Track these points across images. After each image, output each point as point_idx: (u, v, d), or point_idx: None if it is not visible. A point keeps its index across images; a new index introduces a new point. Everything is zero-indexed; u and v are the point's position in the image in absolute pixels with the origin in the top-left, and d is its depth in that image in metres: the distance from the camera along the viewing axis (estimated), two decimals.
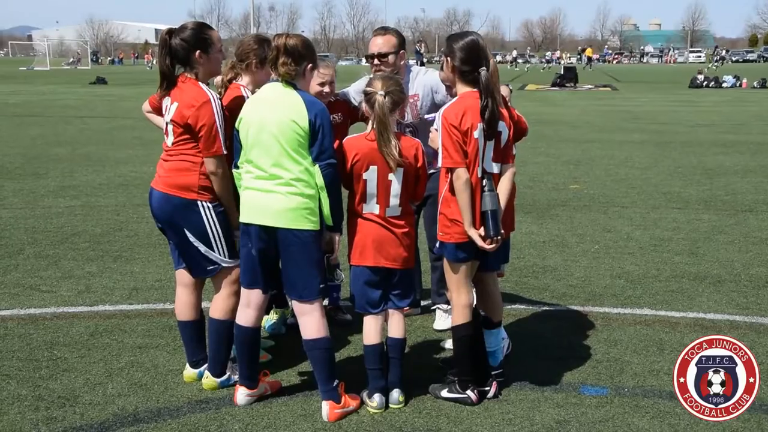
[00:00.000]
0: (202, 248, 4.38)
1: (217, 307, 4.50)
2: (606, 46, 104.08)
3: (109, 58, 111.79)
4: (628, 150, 15.29)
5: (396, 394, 4.35)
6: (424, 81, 5.33)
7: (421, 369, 4.84)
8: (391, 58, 5.18)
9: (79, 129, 19.37)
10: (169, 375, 4.76)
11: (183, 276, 4.62)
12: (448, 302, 5.46)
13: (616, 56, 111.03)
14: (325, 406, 4.20)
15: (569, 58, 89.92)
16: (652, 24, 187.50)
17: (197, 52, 4.35)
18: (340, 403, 4.22)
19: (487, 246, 4.19)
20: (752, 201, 10.17)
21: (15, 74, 58.91)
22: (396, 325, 4.42)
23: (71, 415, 4.21)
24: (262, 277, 4.24)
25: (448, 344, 5.23)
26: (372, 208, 4.30)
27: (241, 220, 4.21)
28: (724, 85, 40.32)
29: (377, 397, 4.29)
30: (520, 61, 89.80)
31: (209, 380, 4.55)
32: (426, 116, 5.14)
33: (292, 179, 4.05)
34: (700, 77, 41.11)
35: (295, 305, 4.26)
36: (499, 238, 4.19)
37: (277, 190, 4.06)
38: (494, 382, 4.49)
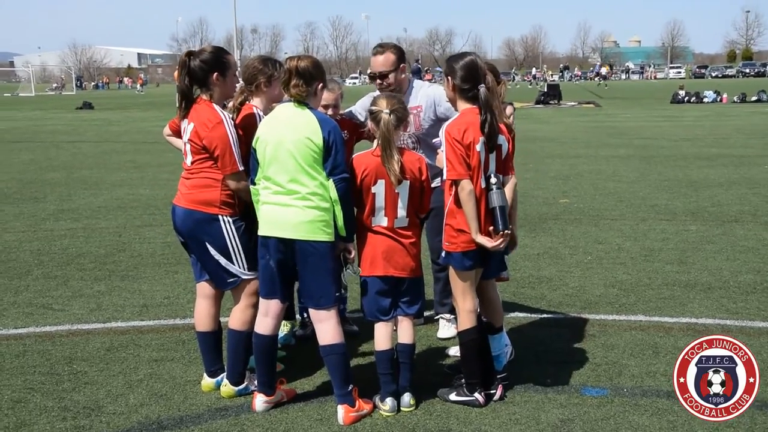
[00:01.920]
0: (223, 261, 4.59)
1: (236, 318, 4.70)
2: (598, 63, 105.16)
3: (93, 83, 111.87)
4: (615, 164, 15.62)
5: (407, 398, 4.56)
6: (427, 93, 5.56)
7: (429, 375, 5.05)
8: (391, 76, 5.42)
9: (71, 153, 19.53)
10: (187, 385, 4.95)
11: (204, 288, 4.83)
12: (451, 312, 5.71)
13: (597, 74, 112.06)
14: (341, 410, 4.41)
15: (551, 75, 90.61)
16: (632, 41, 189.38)
17: (215, 74, 4.60)
18: (355, 406, 4.42)
19: (496, 243, 4.42)
20: (737, 212, 10.47)
21: (0, 100, 58.92)
22: (406, 332, 4.64)
23: (98, 424, 4.40)
24: (280, 287, 4.46)
25: (452, 351, 5.46)
26: (380, 220, 4.54)
27: (259, 233, 4.43)
28: (705, 100, 40.96)
29: (389, 401, 4.50)
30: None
31: (227, 388, 4.75)
32: (434, 141, 5.34)
33: (308, 193, 4.29)
34: (681, 92, 41.71)
35: (312, 313, 4.47)
36: (507, 232, 4.42)
37: (294, 204, 4.29)
38: (500, 385, 4.71)
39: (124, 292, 7.05)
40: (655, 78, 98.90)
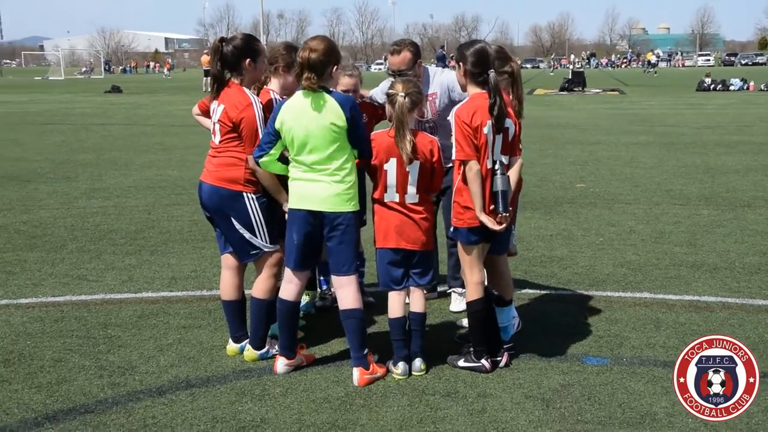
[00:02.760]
0: (247, 235, 4.94)
1: (258, 287, 5.05)
2: (629, 51, 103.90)
3: (120, 67, 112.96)
4: (634, 151, 15.80)
5: (418, 363, 4.89)
6: (441, 80, 5.87)
7: (440, 344, 5.36)
8: (409, 74, 5.70)
9: (101, 136, 20.00)
10: (213, 350, 5.31)
11: (228, 260, 5.18)
12: (462, 286, 6.02)
13: (625, 60, 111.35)
14: (356, 372, 4.74)
15: (578, 62, 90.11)
16: (661, 28, 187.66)
17: (247, 60, 4.94)
18: (369, 369, 4.76)
19: (497, 224, 4.72)
20: (751, 197, 10.66)
21: (31, 84, 59.91)
22: (417, 301, 4.96)
23: (131, 382, 4.77)
24: (305, 257, 4.82)
25: (463, 322, 5.77)
26: (392, 196, 4.87)
27: (290, 206, 4.77)
28: (732, 88, 40.73)
29: (401, 365, 4.83)
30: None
31: (250, 353, 5.09)
32: (449, 118, 5.65)
33: (335, 169, 4.66)
34: (707, 80, 41.53)
35: (335, 280, 4.82)
36: (507, 215, 4.72)
37: (322, 180, 4.65)
38: (506, 353, 5.02)
39: (154, 266, 7.43)
40: (683, 66, 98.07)
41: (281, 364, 4.89)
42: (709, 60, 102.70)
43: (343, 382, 4.76)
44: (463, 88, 4.99)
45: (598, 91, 41.36)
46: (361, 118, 4.76)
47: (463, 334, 5.50)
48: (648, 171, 13.14)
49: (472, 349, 4.97)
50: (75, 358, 5.14)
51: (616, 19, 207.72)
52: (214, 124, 5.00)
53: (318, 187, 4.66)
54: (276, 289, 5.01)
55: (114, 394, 4.60)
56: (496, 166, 4.75)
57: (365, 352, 4.77)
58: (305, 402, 4.49)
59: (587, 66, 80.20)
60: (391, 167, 4.81)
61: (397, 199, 4.86)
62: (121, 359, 5.13)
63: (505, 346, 5.16)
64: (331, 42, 4.75)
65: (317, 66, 4.60)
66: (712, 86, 40.88)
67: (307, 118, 4.63)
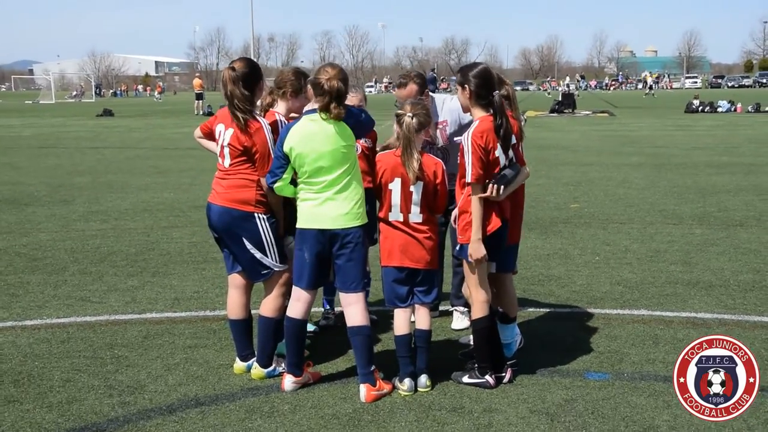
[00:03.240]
0: (258, 255, 5.03)
1: (267, 306, 5.13)
2: (621, 73, 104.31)
3: (111, 91, 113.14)
4: (626, 172, 15.98)
5: (423, 379, 4.98)
6: (451, 107, 6.02)
7: (443, 361, 5.43)
8: None
9: (95, 159, 20.07)
10: (220, 368, 5.37)
11: (235, 279, 5.26)
12: (465, 305, 6.13)
13: (614, 82, 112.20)
14: (363, 389, 4.82)
15: (567, 85, 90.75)
16: (648, 51, 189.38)
17: (260, 82, 5.06)
18: (376, 386, 4.84)
19: (488, 191, 4.83)
20: (743, 216, 10.82)
21: (22, 108, 59.92)
22: (422, 318, 5.06)
23: (141, 400, 4.83)
24: (313, 276, 4.91)
25: (464, 340, 5.87)
26: (397, 215, 4.98)
27: (299, 226, 4.87)
28: (720, 109, 41.14)
29: (407, 381, 4.91)
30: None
31: (257, 371, 5.17)
32: (455, 139, 5.79)
33: (344, 187, 4.78)
34: (696, 102, 41.95)
35: (343, 297, 4.92)
36: (496, 192, 4.81)
37: (333, 198, 4.77)
38: (509, 369, 5.11)
39: (156, 287, 7.50)
40: (671, 88, 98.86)
41: (289, 381, 4.96)
42: (696, 82, 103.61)
43: (351, 399, 4.84)
44: (466, 110, 5.11)
45: (588, 113, 41.69)
46: (357, 114, 4.88)
47: (466, 352, 5.58)
48: (641, 191, 13.30)
49: (476, 365, 5.06)
50: (84, 378, 5.20)
51: (604, 41, 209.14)
52: (223, 147, 5.09)
53: (328, 207, 4.78)
54: (284, 307, 5.09)
55: (125, 412, 4.66)
56: (506, 163, 4.91)
57: (372, 368, 4.85)
58: (314, 419, 4.57)
59: (581, 88, 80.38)
60: (395, 187, 4.93)
61: (401, 219, 4.96)
62: (129, 378, 5.19)
63: (508, 363, 5.25)
64: (345, 74, 4.90)
65: (342, 96, 4.75)
66: (701, 108, 41.28)
67: (318, 142, 4.75)
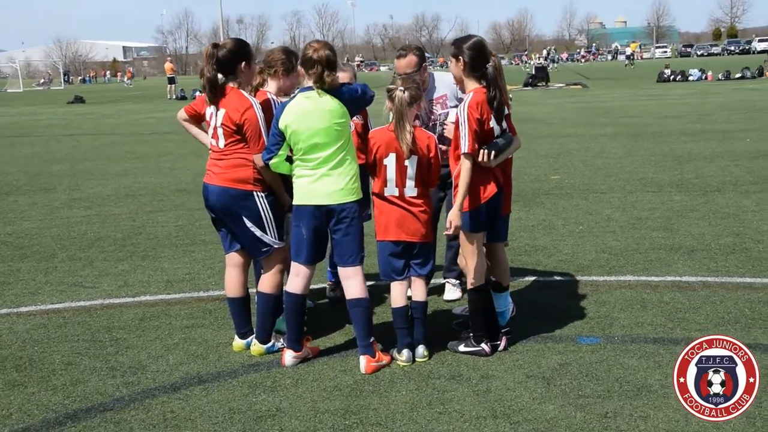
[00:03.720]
0: (258, 232, 5.10)
1: (265, 283, 5.21)
2: (594, 45, 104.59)
3: (80, 78, 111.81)
4: (603, 142, 16.16)
5: (421, 350, 5.09)
6: (447, 81, 6.07)
7: (439, 332, 5.54)
8: (416, 76, 5.90)
9: (71, 146, 19.93)
10: (219, 346, 5.45)
11: (233, 258, 5.32)
12: (457, 277, 6.27)
13: (585, 54, 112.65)
14: (363, 360, 4.93)
15: (539, 58, 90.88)
16: (618, 21, 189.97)
17: (242, 63, 5.10)
18: (375, 357, 4.94)
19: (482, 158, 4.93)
20: (719, 182, 11.02)
21: None
22: (419, 290, 5.16)
23: (144, 380, 4.90)
24: (312, 251, 4.99)
25: (458, 310, 5.99)
26: (392, 190, 5.06)
27: (295, 203, 4.95)
28: (691, 78, 41.55)
29: (405, 352, 5.02)
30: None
31: (257, 347, 5.25)
32: (439, 112, 5.90)
33: (338, 163, 4.86)
34: (667, 72, 42.30)
35: (342, 271, 5.01)
36: (489, 158, 4.93)
37: (329, 174, 4.85)
38: (503, 337, 5.23)
39: (148, 270, 7.54)
40: (642, 58, 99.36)
41: (289, 356, 5.05)
42: (666, 52, 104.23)
43: (351, 371, 4.94)
44: (459, 82, 5.19)
45: (561, 85, 41.90)
46: (352, 90, 4.94)
47: (460, 322, 5.70)
48: (618, 161, 13.48)
49: (471, 334, 5.18)
50: (85, 360, 5.26)
51: (573, 14, 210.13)
52: (216, 128, 5.13)
53: (324, 183, 4.86)
54: (282, 284, 5.18)
55: (129, 392, 4.73)
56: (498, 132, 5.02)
57: (371, 340, 4.96)
58: (317, 391, 4.67)
59: (557, 61, 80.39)
60: (390, 162, 5.01)
61: (396, 193, 5.05)
62: (130, 360, 5.25)
63: (502, 330, 5.38)
64: (332, 46, 4.97)
65: (333, 64, 4.82)
66: (672, 77, 41.64)
67: (313, 119, 4.81)
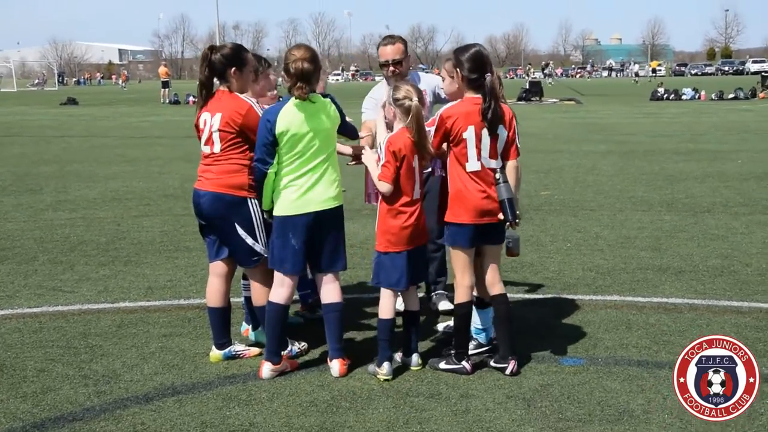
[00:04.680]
0: (249, 241, 5.02)
1: (265, 294, 5.09)
2: (590, 61, 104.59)
3: (74, 79, 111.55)
4: (595, 159, 16.12)
5: (416, 358, 5.10)
6: (429, 80, 6.20)
7: (419, 346, 5.45)
8: (404, 63, 5.96)
9: (61, 148, 19.80)
10: (196, 357, 5.35)
11: (218, 267, 5.22)
12: (444, 289, 6.21)
13: (579, 70, 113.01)
14: (336, 364, 4.95)
15: (533, 72, 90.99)
16: (613, 38, 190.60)
17: (233, 69, 5.02)
18: (347, 360, 4.96)
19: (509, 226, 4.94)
20: (710, 203, 10.97)
21: None
22: (414, 299, 5.16)
23: (117, 390, 4.79)
24: (299, 261, 4.93)
25: (440, 327, 5.90)
26: (416, 193, 5.04)
27: (284, 213, 4.86)
28: (684, 97, 41.64)
29: (386, 365, 4.94)
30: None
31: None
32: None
33: (329, 167, 4.89)
34: (661, 90, 42.39)
35: (326, 277, 5.00)
36: (517, 222, 4.91)
37: (322, 180, 4.86)
38: (512, 360, 5.01)
39: (129, 276, 7.43)
40: (636, 75, 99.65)
41: (267, 368, 4.95)
42: (660, 70, 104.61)
43: (328, 386, 4.84)
44: (454, 96, 5.11)
45: (555, 100, 41.92)
46: (345, 121, 5.07)
47: (441, 338, 5.61)
48: (610, 178, 13.43)
49: (452, 351, 5.09)
50: (58, 367, 5.15)
51: (569, 30, 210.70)
52: (211, 133, 5.02)
53: (319, 189, 4.85)
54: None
55: (101, 401, 4.62)
56: (497, 176, 4.90)
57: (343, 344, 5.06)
58: (292, 406, 4.56)
59: (553, 76, 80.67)
60: (414, 165, 5.01)
61: (417, 196, 5.06)
62: (104, 368, 5.14)
63: (484, 349, 5.31)
64: (314, 53, 4.91)
65: (308, 77, 4.78)
66: (666, 96, 41.73)
67: (313, 123, 4.81)
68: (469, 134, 4.88)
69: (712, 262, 7.73)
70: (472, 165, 4.93)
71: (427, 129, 4.99)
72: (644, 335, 5.70)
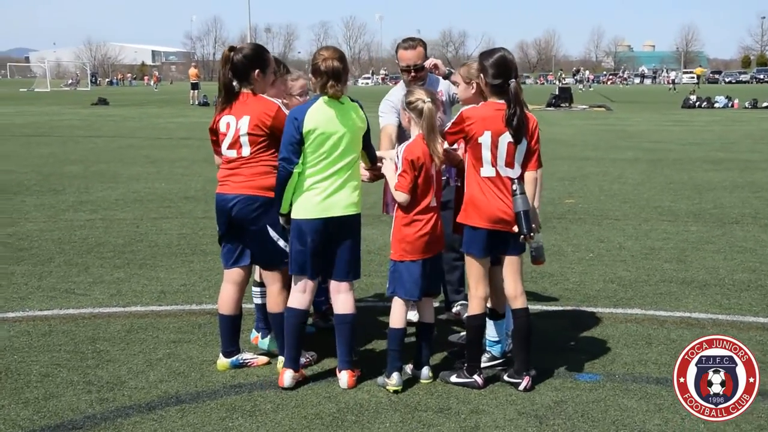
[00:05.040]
0: (282, 243, 4.93)
1: (282, 300, 5.00)
2: (623, 67, 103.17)
3: (107, 80, 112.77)
4: (622, 167, 15.87)
5: (426, 371, 4.96)
6: (444, 83, 6.05)
7: (431, 360, 5.31)
8: (424, 69, 5.88)
9: (88, 148, 19.90)
10: (203, 365, 5.25)
11: (234, 274, 5.12)
12: (465, 298, 6.08)
13: (611, 77, 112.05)
14: (345, 375, 4.83)
15: (564, 78, 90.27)
16: (646, 45, 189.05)
17: (256, 70, 4.94)
18: (356, 372, 4.86)
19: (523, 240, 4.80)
20: (739, 214, 10.71)
21: (17, 95, 59.64)
22: (429, 311, 5.04)
23: (120, 397, 4.70)
24: (319, 264, 4.84)
25: (454, 338, 5.75)
26: (433, 200, 4.92)
27: (305, 216, 4.76)
28: (717, 105, 41.07)
29: (396, 376, 4.81)
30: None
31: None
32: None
33: (353, 173, 4.84)
34: (693, 98, 41.84)
35: (338, 285, 4.89)
36: (531, 235, 4.76)
37: (346, 184, 4.78)
38: (527, 377, 4.87)
39: (143, 279, 7.37)
40: (668, 83, 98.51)
41: (288, 376, 4.84)
42: (693, 77, 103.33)
43: (335, 398, 4.72)
44: (471, 102, 5.01)
45: (584, 107, 41.56)
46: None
47: (453, 351, 5.47)
48: (636, 187, 13.19)
49: (465, 364, 4.95)
50: (63, 373, 5.08)
51: (601, 36, 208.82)
52: (238, 137, 4.92)
53: (343, 194, 4.77)
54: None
55: (102, 409, 4.54)
56: (514, 186, 4.76)
57: (353, 356, 4.93)
58: (296, 418, 4.45)
59: (588, 82, 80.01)
60: (432, 173, 4.90)
61: (435, 204, 4.94)
62: (109, 374, 5.06)
63: (497, 362, 5.17)
64: (340, 50, 4.88)
65: (339, 75, 4.72)
66: (698, 103, 41.18)
67: (341, 123, 4.73)
68: (484, 139, 4.75)
69: (738, 276, 7.51)
70: (487, 171, 4.79)
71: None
72: (665, 351, 5.52)
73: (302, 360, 5.12)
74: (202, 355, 5.43)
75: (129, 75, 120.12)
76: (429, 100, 4.81)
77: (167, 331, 5.92)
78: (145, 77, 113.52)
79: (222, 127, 4.98)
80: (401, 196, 4.82)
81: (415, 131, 4.90)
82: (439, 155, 4.81)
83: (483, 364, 5.09)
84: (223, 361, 5.17)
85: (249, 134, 4.89)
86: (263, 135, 4.88)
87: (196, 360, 5.33)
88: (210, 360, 5.31)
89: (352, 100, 4.86)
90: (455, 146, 5.11)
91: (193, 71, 47.10)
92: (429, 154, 4.82)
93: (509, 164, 4.82)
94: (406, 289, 4.90)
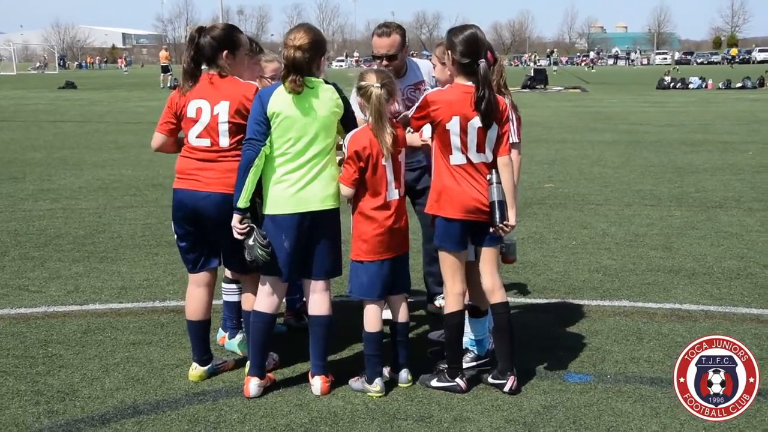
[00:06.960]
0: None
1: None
2: (596, 49, 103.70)
3: (76, 63, 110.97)
4: (600, 150, 15.58)
5: (405, 374, 4.59)
6: (427, 69, 5.50)
7: (411, 361, 4.96)
8: (399, 56, 5.37)
9: (52, 133, 19.29)
10: (164, 369, 4.85)
11: (203, 277, 4.67)
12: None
13: (584, 58, 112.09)
14: (318, 381, 4.46)
15: (539, 60, 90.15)
16: (619, 26, 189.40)
17: (225, 51, 4.47)
18: (329, 377, 4.49)
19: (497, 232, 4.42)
20: (722, 198, 10.45)
21: None
22: (403, 310, 4.63)
23: (72, 409, 4.30)
24: (294, 266, 4.42)
25: (434, 336, 5.40)
26: (392, 194, 4.48)
27: (276, 212, 4.34)
28: (691, 86, 41.01)
29: (378, 381, 4.47)
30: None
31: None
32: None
33: (327, 163, 4.37)
34: (667, 79, 41.76)
35: (315, 284, 4.49)
36: (502, 226, 4.38)
37: (320, 176, 4.33)
38: (511, 377, 4.53)
39: (103, 274, 6.94)
40: (642, 64, 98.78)
41: (254, 385, 4.44)
42: (666, 59, 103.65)
43: (307, 406, 4.35)
44: (445, 80, 4.61)
45: (560, 88, 41.31)
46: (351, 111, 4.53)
47: (434, 350, 5.11)
48: (616, 170, 12.90)
49: (445, 366, 4.60)
50: (9, 381, 4.66)
51: (575, 17, 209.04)
52: (216, 124, 4.40)
53: (317, 185, 4.34)
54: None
55: (51, 423, 4.13)
56: (489, 176, 4.40)
57: (326, 360, 4.54)
58: (265, 430, 4.08)
59: (559, 64, 79.68)
60: (388, 164, 4.46)
61: (396, 196, 4.52)
62: (61, 382, 4.65)
63: (480, 362, 4.83)
64: (314, 37, 4.36)
65: (302, 67, 4.27)
66: (672, 84, 41.10)
67: (310, 107, 4.29)
68: (452, 125, 4.36)
69: (727, 264, 7.22)
70: (457, 158, 4.41)
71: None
72: (657, 347, 5.20)
73: (269, 362, 4.72)
74: (163, 358, 5.03)
75: (98, 58, 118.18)
76: (379, 84, 4.38)
77: (127, 331, 5.52)
78: (118, 60, 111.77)
79: (190, 112, 4.46)
80: (344, 190, 4.43)
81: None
82: (388, 146, 4.37)
83: (465, 365, 4.75)
84: (199, 371, 4.70)
85: (230, 122, 4.37)
86: (245, 122, 4.37)
87: (157, 364, 4.93)
88: (172, 364, 4.92)
89: (327, 83, 4.42)
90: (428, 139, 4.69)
91: (163, 54, 46.18)
92: (378, 144, 4.42)
93: (480, 150, 4.44)
94: (363, 289, 4.52)
